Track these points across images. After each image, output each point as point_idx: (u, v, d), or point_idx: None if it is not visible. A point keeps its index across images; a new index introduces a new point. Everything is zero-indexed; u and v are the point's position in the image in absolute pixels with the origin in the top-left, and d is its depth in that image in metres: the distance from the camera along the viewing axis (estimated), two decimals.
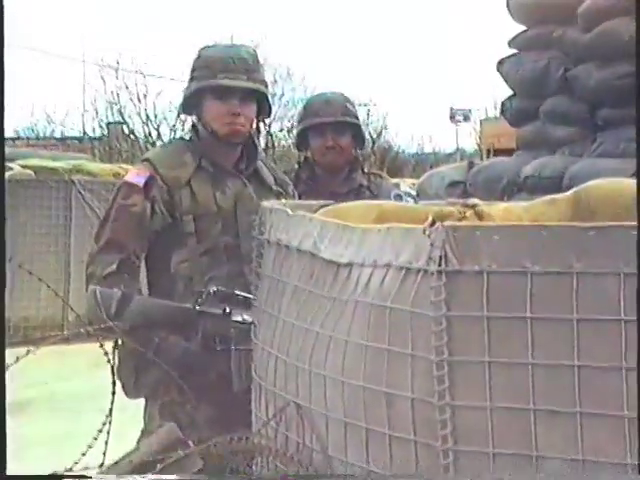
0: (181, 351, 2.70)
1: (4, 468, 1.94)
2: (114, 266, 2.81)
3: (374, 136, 24.11)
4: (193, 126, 3.09)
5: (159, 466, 1.90)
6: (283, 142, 23.02)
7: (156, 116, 23.08)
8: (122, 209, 2.89)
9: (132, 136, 23.15)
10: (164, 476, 1.96)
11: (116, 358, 2.70)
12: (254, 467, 2.14)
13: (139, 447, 2.19)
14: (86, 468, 1.93)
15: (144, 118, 23.00)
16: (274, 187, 3.14)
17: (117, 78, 22.39)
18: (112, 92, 22.76)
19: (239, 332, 2.66)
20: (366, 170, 3.82)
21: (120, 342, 2.61)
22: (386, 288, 1.76)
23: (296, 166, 3.78)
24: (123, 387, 2.79)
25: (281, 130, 23.30)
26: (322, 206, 2.26)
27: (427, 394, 1.66)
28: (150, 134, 23.11)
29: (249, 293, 2.69)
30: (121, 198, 2.90)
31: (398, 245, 1.75)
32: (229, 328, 2.66)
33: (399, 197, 3.36)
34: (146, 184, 2.89)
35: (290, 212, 2.18)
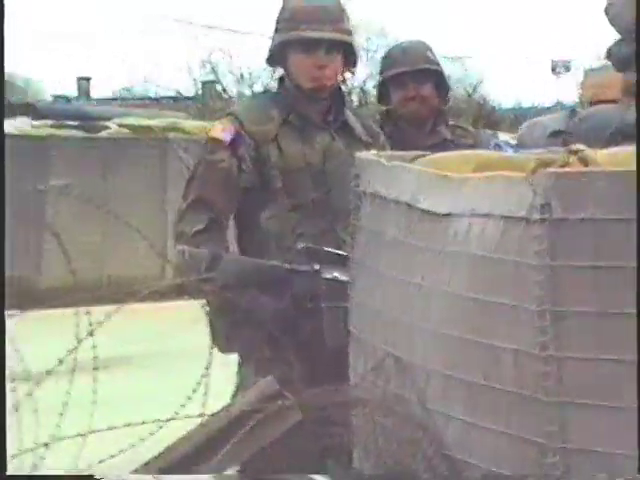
0: (272, 309, 2.69)
1: (4, 468, 1.95)
2: (202, 224, 2.80)
3: (469, 91, 23.77)
4: (280, 79, 3.05)
5: (258, 417, 1.92)
6: (374, 99, 22.85)
7: (250, 74, 23.17)
8: (209, 166, 2.87)
9: (226, 94, 23.30)
10: (166, 476, 1.96)
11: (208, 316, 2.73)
12: (352, 419, 2.14)
13: (234, 403, 2.22)
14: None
15: (238, 76, 23.12)
16: (364, 138, 3.06)
17: (210, 37, 22.50)
18: (206, 51, 22.91)
19: (330, 289, 2.63)
20: (451, 123, 3.70)
21: (212, 299, 2.63)
22: (487, 238, 1.73)
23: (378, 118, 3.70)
24: (216, 344, 2.80)
25: (375, 87, 23.15)
26: (419, 156, 2.23)
27: (530, 346, 1.63)
28: (243, 93, 23.21)
29: (340, 249, 2.68)
30: (208, 155, 2.89)
31: (499, 194, 1.72)
32: (319, 285, 2.65)
33: (498, 147, 3.23)
34: (232, 140, 2.86)
35: (387, 163, 2.15)
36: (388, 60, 3.57)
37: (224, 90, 23.32)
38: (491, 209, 1.72)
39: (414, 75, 3.46)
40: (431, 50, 3.55)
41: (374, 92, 22.47)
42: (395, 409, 1.95)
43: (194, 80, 23.77)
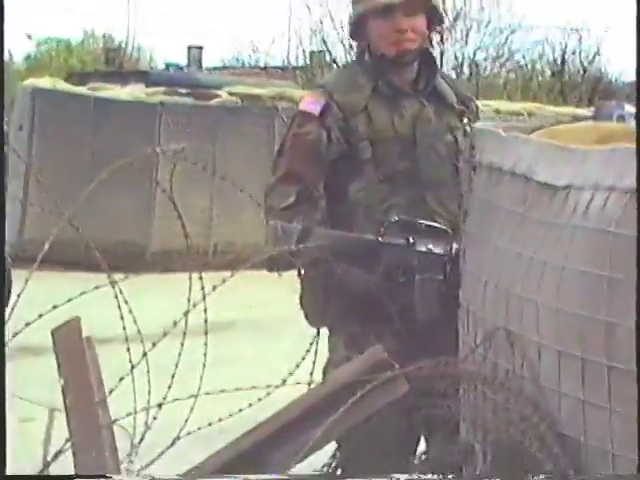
0: (364, 282, 2.63)
1: (4, 468, 1.96)
2: (292, 198, 2.77)
3: (585, 64, 23.25)
4: (368, 48, 2.93)
5: (367, 386, 1.92)
6: (487, 72, 22.54)
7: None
8: (298, 138, 2.83)
9: (334, 64, 23.28)
10: (167, 476, 1.96)
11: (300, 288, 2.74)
12: (460, 392, 2.13)
13: (326, 377, 2.22)
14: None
15: (347, 46, 23.06)
16: (456, 105, 2.94)
17: (321, 6, 22.47)
18: (316, 21, 22.91)
19: (423, 262, 2.58)
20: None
21: (303, 272, 2.62)
22: (608, 212, 1.68)
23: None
24: (306, 316, 2.80)
25: (486, 59, 22.82)
26: (537, 128, 2.18)
27: None
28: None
29: (431, 220, 2.64)
30: (296, 127, 2.85)
31: (623, 167, 1.67)
32: (413, 258, 2.59)
33: (622, 118, 3.05)
34: (322, 112, 2.81)
35: (504, 134, 2.12)
36: None
37: (334, 60, 23.30)
38: (614, 182, 1.68)
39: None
40: None
41: (484, 64, 21.91)
42: (506, 384, 1.93)
43: (303, 50, 23.82)
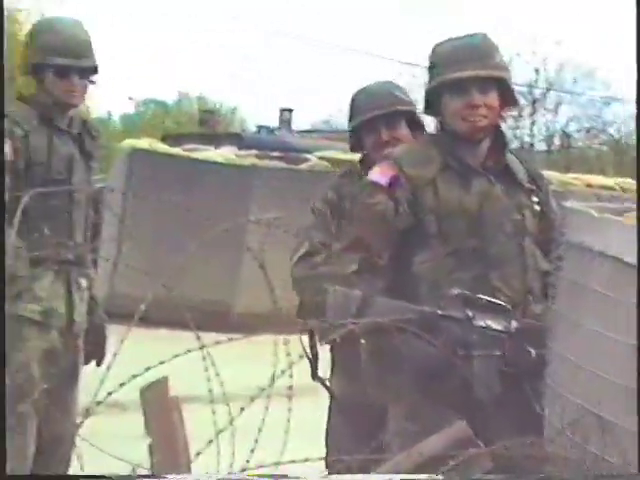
0: (423, 354, 2.63)
1: (4, 468, 1.98)
2: (356, 266, 2.80)
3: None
4: (439, 122, 2.95)
5: (451, 462, 1.92)
6: (580, 143, 22.37)
7: None
8: (366, 208, 2.86)
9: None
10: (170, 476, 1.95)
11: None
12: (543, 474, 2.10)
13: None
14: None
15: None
16: (526, 184, 2.92)
17: (414, 77, 22.70)
18: (407, 87, 23.17)
19: (481, 338, 2.59)
20: None
21: (363, 342, 2.63)
22: None
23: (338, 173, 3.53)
24: (365, 387, 2.81)
25: (578, 130, 22.68)
26: (629, 210, 2.18)
27: None
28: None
29: (493, 297, 2.64)
30: (365, 197, 2.87)
31: None
32: (472, 333, 2.60)
33: None
34: (390, 183, 2.83)
35: (596, 215, 2.12)
36: (356, 106, 3.36)
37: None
38: None
39: (386, 118, 3.28)
40: (400, 89, 3.38)
41: (577, 135, 21.76)
42: (594, 470, 1.91)
43: None
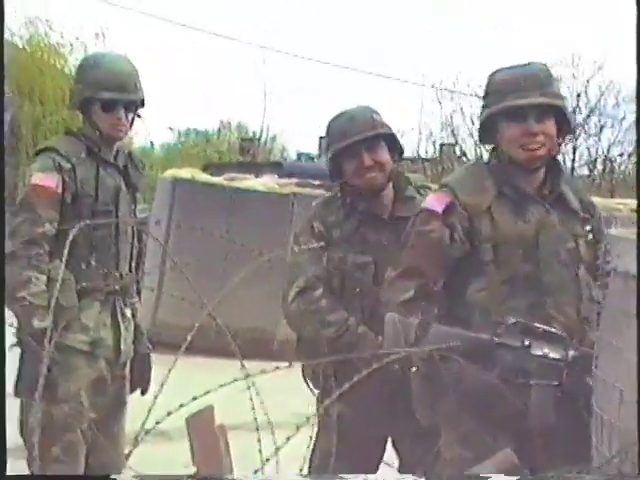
0: (479, 382, 2.62)
1: (4, 468, 1.99)
2: (411, 292, 2.80)
3: None
4: (493, 150, 2.97)
5: None
6: (623, 167, 22.19)
7: None
8: (421, 235, 2.87)
9: (464, 157, 23.37)
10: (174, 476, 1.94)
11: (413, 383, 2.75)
12: None
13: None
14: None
15: (477, 140, 23.15)
16: (580, 212, 2.93)
17: (452, 100, 22.68)
18: (447, 115, 23.11)
19: (538, 366, 2.58)
20: (414, 184, 3.38)
21: (415, 369, 2.63)
22: None
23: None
24: (417, 412, 2.80)
25: (621, 155, 22.50)
26: None
27: None
28: (482, 156, 23.21)
29: (549, 326, 2.63)
30: (420, 224, 2.88)
31: None
32: (529, 362, 2.59)
33: None
34: (445, 210, 2.84)
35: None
36: (334, 132, 3.29)
37: (464, 154, 23.40)
38: None
39: (367, 143, 3.22)
40: (377, 113, 3.31)
41: (619, 160, 21.56)
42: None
43: (433, 142, 23.99)
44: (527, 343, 2.59)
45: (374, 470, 3.10)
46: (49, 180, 3.20)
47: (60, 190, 3.27)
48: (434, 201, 2.90)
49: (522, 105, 2.81)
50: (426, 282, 2.82)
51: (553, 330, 2.63)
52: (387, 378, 2.61)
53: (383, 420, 3.10)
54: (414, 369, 2.64)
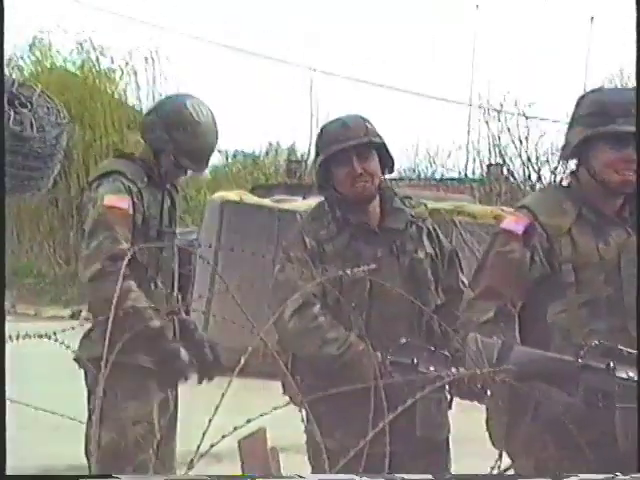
0: (563, 405, 2.60)
1: (4, 468, 1.98)
2: (491, 314, 2.78)
3: None
4: (572, 173, 2.94)
5: None
6: None
7: (537, 158, 23.00)
8: (500, 256, 2.85)
9: (512, 178, 23.24)
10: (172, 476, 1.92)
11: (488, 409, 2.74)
12: None
13: None
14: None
15: (525, 160, 23.00)
16: None
17: (499, 120, 22.60)
18: (494, 134, 23.02)
19: (623, 389, 2.54)
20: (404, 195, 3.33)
21: (489, 393, 2.61)
22: None
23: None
24: (491, 437, 2.78)
25: None
26: None
27: None
28: (530, 176, 23.07)
29: (633, 348, 2.60)
30: (499, 245, 2.86)
31: None
32: (613, 384, 2.55)
33: None
34: (525, 231, 2.82)
35: None
36: (327, 137, 3.20)
37: (511, 174, 23.28)
38: None
39: (358, 150, 3.12)
40: (369, 122, 3.21)
41: None
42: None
43: (480, 162, 23.91)
44: (612, 365, 2.57)
45: None
46: (122, 202, 3.21)
47: (131, 212, 3.29)
48: (513, 222, 2.88)
49: (630, 132, 2.78)
50: (505, 303, 2.80)
51: (636, 352, 2.59)
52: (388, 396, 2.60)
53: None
54: (489, 392, 2.62)
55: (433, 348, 2.88)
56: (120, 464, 3.12)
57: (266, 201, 9.20)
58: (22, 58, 16.42)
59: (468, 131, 24.38)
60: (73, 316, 11.04)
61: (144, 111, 16.97)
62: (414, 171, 25.26)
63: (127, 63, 16.81)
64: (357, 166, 3.12)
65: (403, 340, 2.83)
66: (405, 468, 2.78)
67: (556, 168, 22.00)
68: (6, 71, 15.44)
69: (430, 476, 2.15)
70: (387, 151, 3.22)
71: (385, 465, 2.27)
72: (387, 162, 3.22)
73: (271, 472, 2.28)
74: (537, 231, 2.82)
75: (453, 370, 2.78)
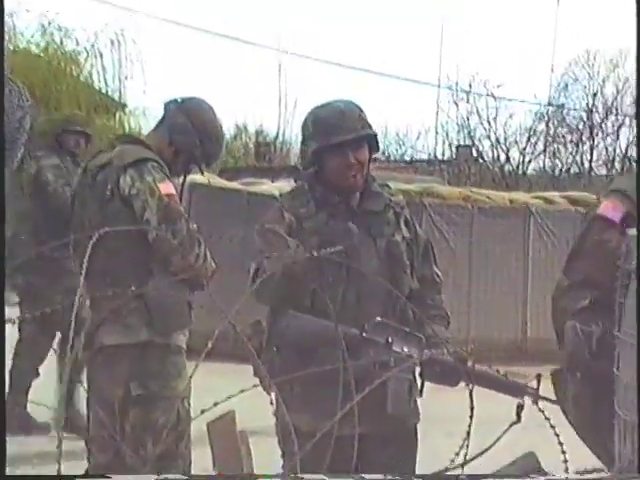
0: None
1: (4, 468, 2.00)
2: (586, 301, 2.77)
3: None
4: None
5: None
6: None
7: (506, 139, 23.12)
8: (597, 245, 2.81)
9: (481, 159, 23.34)
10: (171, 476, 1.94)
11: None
12: None
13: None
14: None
15: (493, 141, 23.12)
16: None
17: (468, 102, 22.67)
18: (463, 116, 23.09)
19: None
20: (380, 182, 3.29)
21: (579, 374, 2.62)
22: None
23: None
24: (569, 414, 2.80)
25: None
26: None
27: None
28: (499, 157, 23.20)
29: None
30: (596, 233, 2.83)
31: None
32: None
33: None
34: (622, 220, 2.79)
35: None
36: (322, 126, 3.10)
37: (480, 155, 23.37)
38: None
39: (354, 141, 3.07)
40: (362, 110, 3.16)
41: None
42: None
43: (450, 144, 23.98)
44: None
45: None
46: (172, 188, 3.29)
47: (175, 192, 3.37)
48: (610, 209, 2.84)
49: None
50: (602, 292, 2.74)
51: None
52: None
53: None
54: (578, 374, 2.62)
55: (407, 329, 2.87)
56: (176, 438, 3.14)
57: (234, 184, 9.18)
58: None
59: (437, 112, 24.42)
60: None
61: (110, 94, 16.87)
62: (383, 153, 25.24)
63: (92, 45, 16.67)
64: (351, 158, 3.07)
65: (378, 319, 2.82)
66: (374, 452, 2.78)
67: (524, 149, 22.15)
68: None
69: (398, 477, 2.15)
70: (377, 141, 3.19)
71: (354, 447, 2.27)
72: (374, 151, 3.19)
73: (240, 455, 2.28)
74: (634, 218, 2.73)
75: (426, 352, 2.78)
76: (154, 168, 3.29)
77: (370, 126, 3.15)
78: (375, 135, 3.16)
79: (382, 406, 2.77)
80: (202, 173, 3.69)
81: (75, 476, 2.06)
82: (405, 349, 2.77)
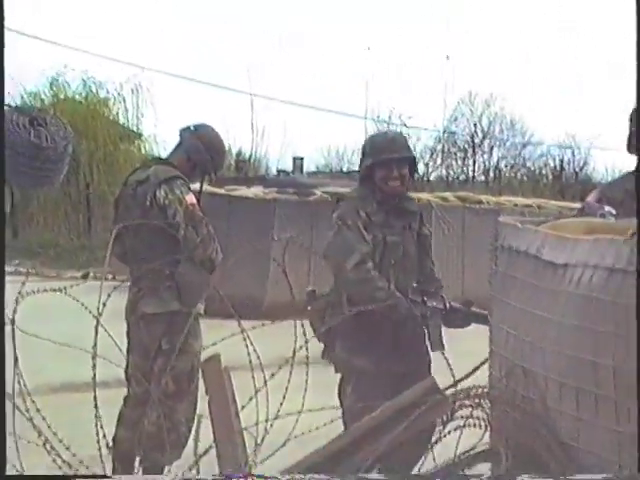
0: None
1: (4, 468, 1.73)
2: None
3: (577, 170, 22.81)
4: None
5: (423, 407, 1.91)
6: (507, 175, 22.34)
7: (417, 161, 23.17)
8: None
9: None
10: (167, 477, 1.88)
11: None
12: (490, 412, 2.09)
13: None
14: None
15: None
16: None
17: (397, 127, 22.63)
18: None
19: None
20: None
21: None
22: (594, 283, 1.69)
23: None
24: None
25: (506, 166, 22.65)
26: (542, 222, 2.19)
27: (624, 362, 1.58)
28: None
29: None
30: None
31: (604, 251, 1.68)
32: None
33: (603, 215, 2.78)
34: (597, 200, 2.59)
35: (520, 226, 2.13)
36: (377, 146, 3.11)
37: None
38: (598, 262, 1.68)
39: (399, 160, 3.09)
40: (407, 139, 3.26)
41: (505, 170, 21.39)
42: (522, 406, 1.91)
43: None
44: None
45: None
46: (194, 198, 3.22)
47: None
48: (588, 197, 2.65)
49: None
50: None
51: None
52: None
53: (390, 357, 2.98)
54: None
55: (433, 290, 2.97)
56: (189, 381, 3.11)
57: (220, 190, 9.13)
58: (44, 92, 16.51)
59: (366, 133, 24.32)
60: (84, 276, 10.84)
61: (130, 127, 16.99)
62: (327, 166, 25.12)
63: (119, 93, 16.86)
64: (395, 171, 3.07)
65: (414, 284, 2.92)
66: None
67: (427, 163, 22.18)
68: (30, 101, 15.63)
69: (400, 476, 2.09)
70: (415, 162, 3.22)
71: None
72: (413, 169, 3.18)
73: (225, 386, 2.24)
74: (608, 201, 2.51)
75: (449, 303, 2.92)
76: (182, 185, 3.23)
77: (411, 151, 3.19)
78: (414, 158, 3.18)
79: (424, 348, 2.86)
80: (212, 180, 3.62)
81: (75, 476, 1.80)
82: (435, 304, 2.87)
